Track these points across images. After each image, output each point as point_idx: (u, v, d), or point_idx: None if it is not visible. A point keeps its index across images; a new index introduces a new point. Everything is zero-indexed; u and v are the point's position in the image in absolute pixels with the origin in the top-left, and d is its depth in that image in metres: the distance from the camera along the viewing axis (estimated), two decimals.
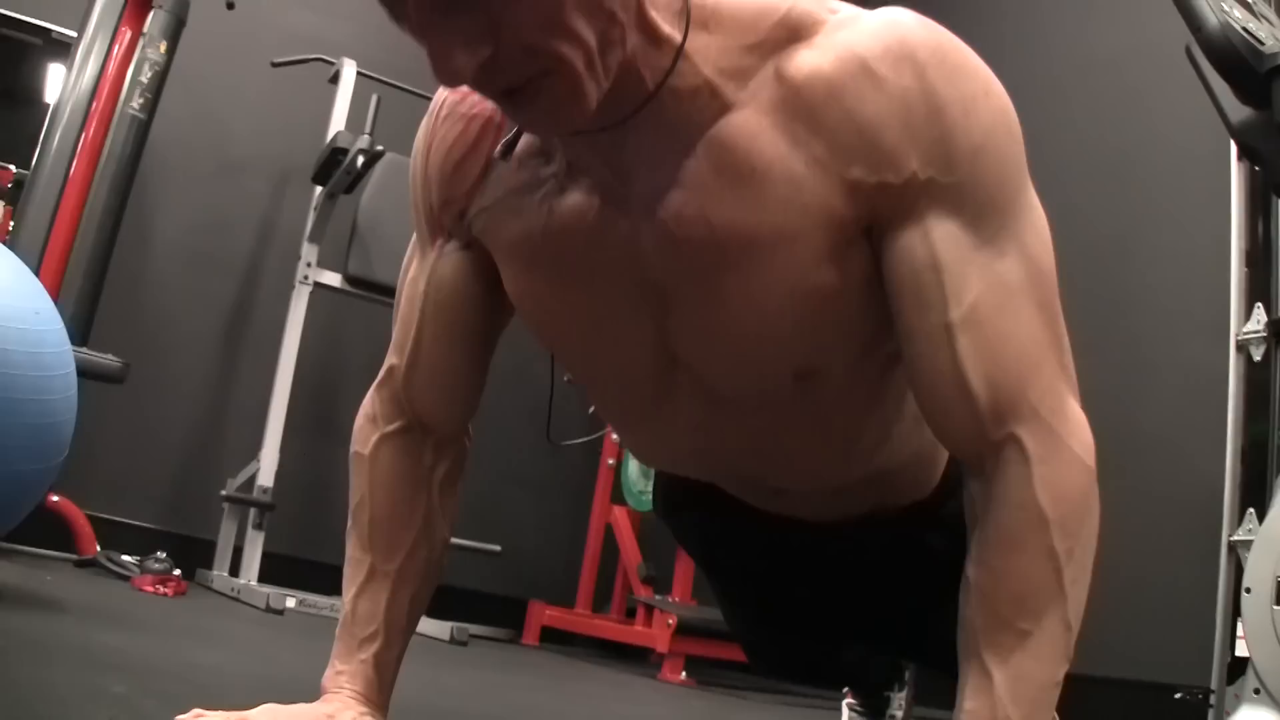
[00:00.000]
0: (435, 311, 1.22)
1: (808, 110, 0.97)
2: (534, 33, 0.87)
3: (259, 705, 1.13)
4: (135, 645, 1.93)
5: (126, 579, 3.23)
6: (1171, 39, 2.23)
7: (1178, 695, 2.64)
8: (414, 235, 1.26)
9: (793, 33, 0.99)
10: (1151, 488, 3.20)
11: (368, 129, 3.87)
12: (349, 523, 1.27)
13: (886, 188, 0.98)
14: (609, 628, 4.17)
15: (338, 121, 4.17)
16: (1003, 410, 0.99)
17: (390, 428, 1.27)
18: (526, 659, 3.74)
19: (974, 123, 0.98)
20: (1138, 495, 3.14)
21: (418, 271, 1.24)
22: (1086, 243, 3.56)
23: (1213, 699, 2.59)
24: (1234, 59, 1.95)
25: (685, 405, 1.18)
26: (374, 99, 3.99)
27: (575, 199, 1.07)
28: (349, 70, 4.26)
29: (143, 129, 3.65)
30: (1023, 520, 0.98)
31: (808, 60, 0.98)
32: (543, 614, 4.37)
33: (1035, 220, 1.04)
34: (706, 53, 0.99)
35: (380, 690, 1.24)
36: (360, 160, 3.84)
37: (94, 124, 3.50)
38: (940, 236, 0.98)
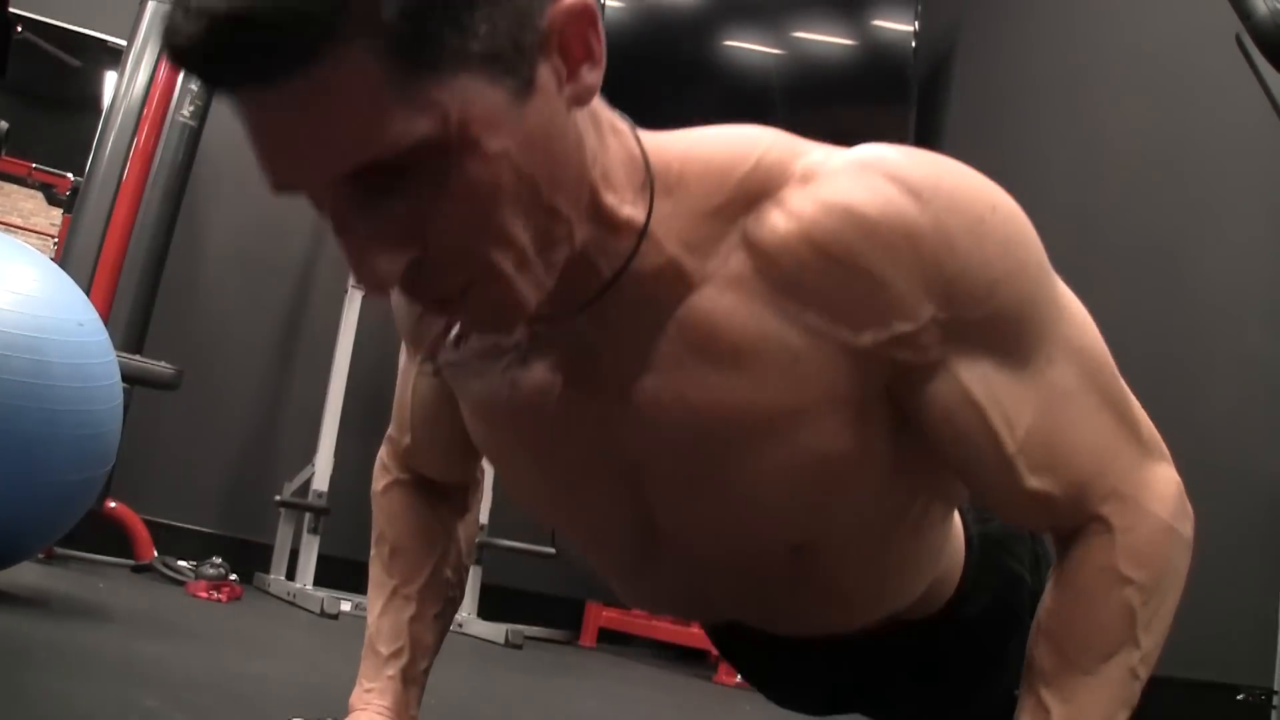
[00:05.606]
0: (423, 414, 1.21)
1: (791, 280, 0.88)
2: (463, 235, 0.78)
3: (287, 719, 1.13)
4: (178, 655, 1.94)
5: (181, 584, 3.24)
6: (1220, 27, 2.18)
7: (1240, 696, 2.58)
8: None
9: (759, 189, 0.89)
10: (1213, 482, 3.12)
11: None
12: (372, 552, 1.28)
13: (903, 339, 0.88)
14: (666, 629, 4.14)
15: None
16: (1082, 501, 0.94)
17: (400, 476, 1.28)
18: (581, 661, 3.73)
19: (989, 249, 0.88)
20: (1199, 490, 3.05)
21: (406, 365, 1.22)
22: (1141, 236, 3.50)
23: (1276, 700, 2.53)
24: None
25: (669, 568, 1.12)
26: None
27: (539, 374, 0.99)
28: None
29: (194, 136, 3.68)
30: (1103, 581, 0.95)
31: (778, 225, 0.88)
32: (600, 615, 4.35)
33: (1071, 313, 0.95)
34: (670, 225, 0.90)
35: (408, 705, 1.23)
36: None
37: (145, 131, 3.53)
38: (976, 379, 0.90)
